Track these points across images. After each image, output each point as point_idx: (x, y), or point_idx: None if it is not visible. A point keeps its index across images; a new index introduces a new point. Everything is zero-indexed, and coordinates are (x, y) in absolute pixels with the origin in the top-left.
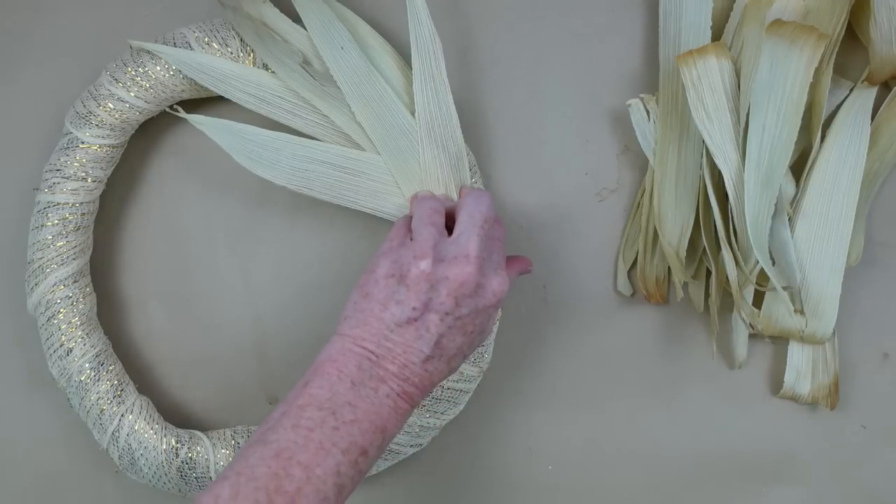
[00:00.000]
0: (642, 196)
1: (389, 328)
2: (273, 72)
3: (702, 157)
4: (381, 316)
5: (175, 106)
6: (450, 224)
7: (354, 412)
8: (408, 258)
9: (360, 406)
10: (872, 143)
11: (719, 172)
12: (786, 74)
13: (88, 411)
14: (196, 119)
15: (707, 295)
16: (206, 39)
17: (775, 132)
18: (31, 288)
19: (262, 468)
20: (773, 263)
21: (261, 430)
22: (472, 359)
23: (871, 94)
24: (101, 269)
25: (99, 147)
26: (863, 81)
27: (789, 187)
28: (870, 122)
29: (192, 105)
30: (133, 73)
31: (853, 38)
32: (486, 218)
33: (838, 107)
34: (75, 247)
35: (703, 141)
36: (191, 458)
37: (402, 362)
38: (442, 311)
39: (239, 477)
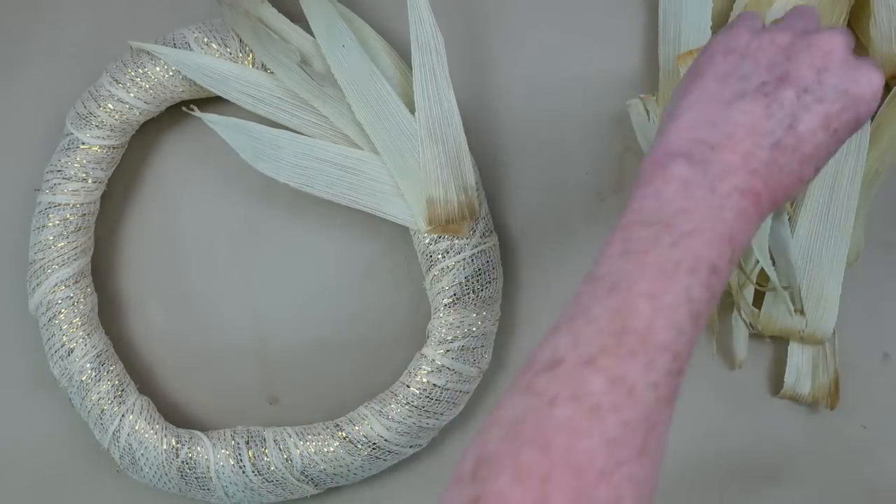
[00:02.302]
0: None
1: (729, 103)
2: (272, 72)
3: None
4: (719, 91)
5: (191, 105)
6: None
7: (692, 220)
8: (755, 35)
9: (698, 211)
10: (872, 143)
11: None
12: None
13: (89, 411)
14: (208, 118)
15: None
16: (206, 40)
17: None
18: (33, 288)
19: (597, 309)
20: (773, 263)
21: (588, 271)
22: (472, 359)
23: None
24: (102, 270)
25: (99, 148)
26: None
27: None
28: (870, 121)
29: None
30: (133, 73)
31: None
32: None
33: None
34: (76, 247)
35: None
36: (191, 458)
37: (746, 149)
38: (800, 86)
39: (573, 322)
